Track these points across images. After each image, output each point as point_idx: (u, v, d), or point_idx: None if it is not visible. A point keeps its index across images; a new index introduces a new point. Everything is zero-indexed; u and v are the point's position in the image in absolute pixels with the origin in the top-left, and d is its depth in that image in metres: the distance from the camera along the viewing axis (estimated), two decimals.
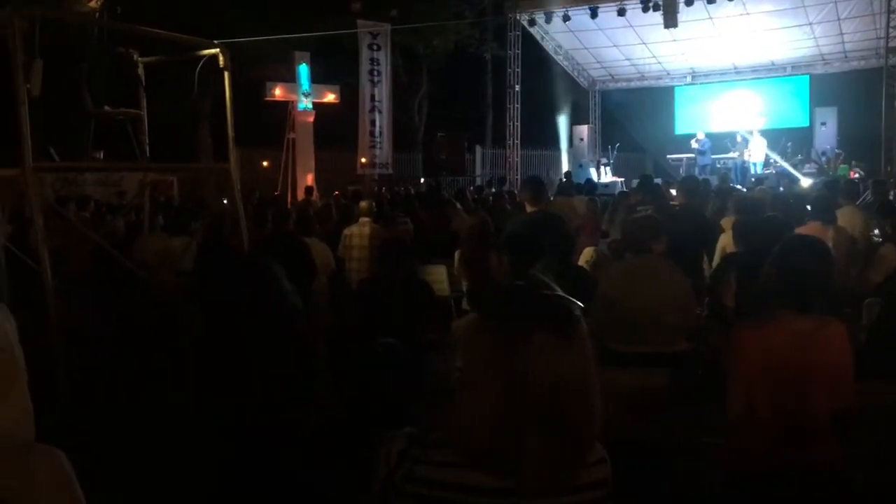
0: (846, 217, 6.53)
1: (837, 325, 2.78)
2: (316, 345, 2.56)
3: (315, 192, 16.61)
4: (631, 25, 19.34)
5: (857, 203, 8.28)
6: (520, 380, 1.41)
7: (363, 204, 7.59)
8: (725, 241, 5.99)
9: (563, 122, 23.61)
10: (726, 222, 6.73)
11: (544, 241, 5.19)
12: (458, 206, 9.59)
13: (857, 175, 16.73)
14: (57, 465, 1.49)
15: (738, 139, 19.77)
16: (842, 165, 18.13)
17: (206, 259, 5.36)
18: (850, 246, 5.75)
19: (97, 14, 4.85)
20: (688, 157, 20.77)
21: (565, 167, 21.89)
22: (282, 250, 5.44)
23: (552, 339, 1.43)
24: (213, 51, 5.21)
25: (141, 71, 5.30)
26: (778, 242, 3.00)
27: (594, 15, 18.43)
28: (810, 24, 18.66)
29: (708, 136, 20.23)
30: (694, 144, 20.00)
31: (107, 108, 4.98)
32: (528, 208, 6.22)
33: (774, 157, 19.21)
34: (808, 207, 6.71)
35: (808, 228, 5.54)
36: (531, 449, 1.41)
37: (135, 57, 5.23)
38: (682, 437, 3.93)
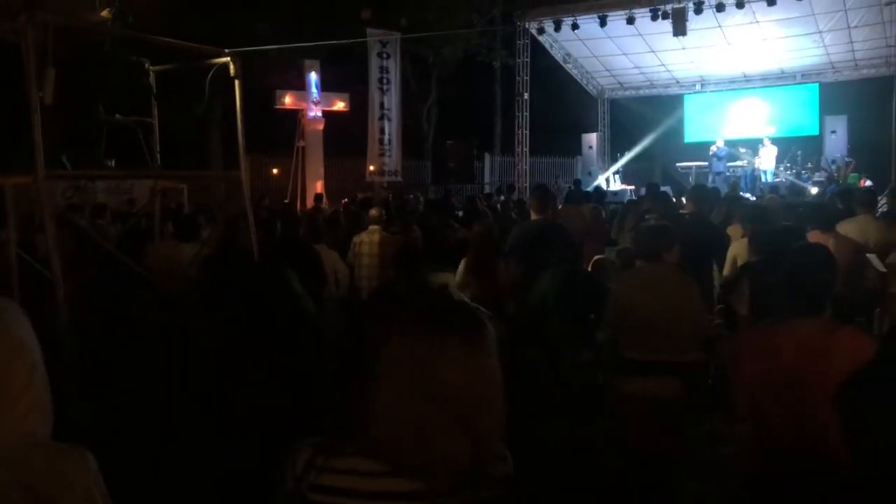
0: (861, 226, 6.45)
1: (851, 331, 2.76)
2: (326, 350, 2.55)
3: (325, 200, 16.67)
4: (640, 34, 19.34)
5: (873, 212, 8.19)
6: (434, 388, 1.45)
7: (373, 212, 7.59)
8: (736, 251, 5.92)
9: (572, 130, 23.61)
10: (732, 231, 6.69)
11: (544, 249, 5.19)
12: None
13: (866, 184, 16.69)
14: (89, 467, 1.54)
15: (742, 150, 19.81)
16: (852, 174, 18.06)
17: (221, 264, 5.37)
18: (853, 254, 5.65)
19: (109, 23, 4.88)
20: (697, 166, 20.76)
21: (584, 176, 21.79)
22: (291, 256, 5.43)
23: (465, 349, 1.48)
24: (224, 59, 5.24)
25: (152, 79, 5.32)
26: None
27: (603, 23, 18.43)
28: (820, 32, 18.60)
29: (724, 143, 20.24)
30: (713, 149, 20.01)
31: (118, 116, 5.00)
32: (533, 216, 6.23)
33: (776, 170, 19.23)
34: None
35: (809, 237, 5.48)
36: (441, 450, 1.44)
37: (146, 65, 5.25)
38: (694, 447, 3.91)
